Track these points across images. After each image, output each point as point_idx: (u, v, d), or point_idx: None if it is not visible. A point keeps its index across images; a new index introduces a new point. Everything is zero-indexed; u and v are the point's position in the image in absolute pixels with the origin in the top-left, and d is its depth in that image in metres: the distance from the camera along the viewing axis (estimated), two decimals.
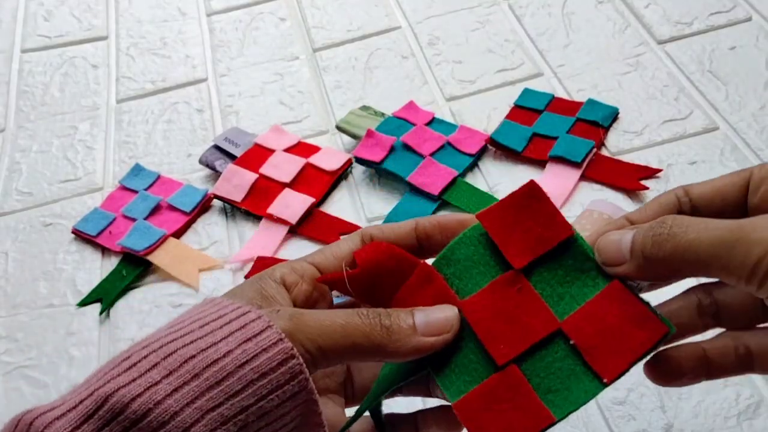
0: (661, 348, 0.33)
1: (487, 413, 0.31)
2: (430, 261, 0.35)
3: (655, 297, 0.34)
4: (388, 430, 0.37)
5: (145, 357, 0.29)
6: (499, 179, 0.69)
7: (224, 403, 0.28)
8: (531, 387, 0.31)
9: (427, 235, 0.36)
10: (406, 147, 0.70)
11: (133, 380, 0.29)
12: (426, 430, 0.38)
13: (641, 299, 0.32)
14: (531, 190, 0.34)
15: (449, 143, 0.71)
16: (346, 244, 0.36)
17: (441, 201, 0.67)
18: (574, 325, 0.32)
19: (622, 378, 0.53)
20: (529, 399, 0.31)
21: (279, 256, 0.66)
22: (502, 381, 0.32)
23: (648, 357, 0.32)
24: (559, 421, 0.31)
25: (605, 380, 0.31)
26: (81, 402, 0.28)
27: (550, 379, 0.32)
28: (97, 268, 0.68)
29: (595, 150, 0.68)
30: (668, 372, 0.34)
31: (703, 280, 0.32)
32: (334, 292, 0.36)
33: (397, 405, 0.41)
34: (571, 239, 0.33)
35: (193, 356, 0.29)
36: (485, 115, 0.75)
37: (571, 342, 0.32)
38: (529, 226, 0.34)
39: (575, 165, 0.67)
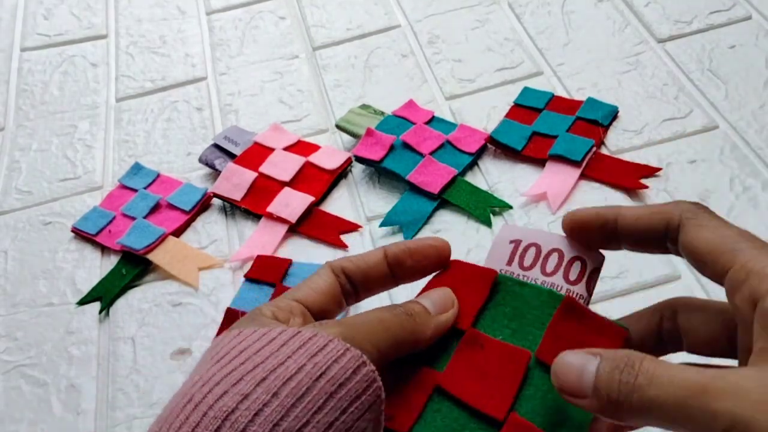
0: None
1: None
2: None
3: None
4: None
5: (209, 392, 0.27)
6: (499, 178, 0.69)
7: (310, 422, 0.27)
8: (423, 406, 0.32)
9: (398, 262, 0.35)
10: (406, 146, 0.70)
11: (204, 415, 0.26)
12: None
13: (592, 311, 0.33)
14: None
15: (449, 142, 0.71)
16: (321, 278, 0.35)
17: (440, 200, 0.67)
18: (546, 350, 0.32)
19: None
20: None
21: (279, 254, 0.66)
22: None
23: None
24: None
25: None
26: None
27: (550, 413, 0.32)
28: (96, 267, 0.68)
29: (594, 149, 0.68)
30: None
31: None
32: None
33: None
34: (496, 279, 0.35)
35: (265, 378, 0.27)
36: (485, 113, 0.75)
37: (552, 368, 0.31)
38: (458, 290, 0.35)
39: (575, 164, 0.67)
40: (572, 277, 0.35)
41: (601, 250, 0.35)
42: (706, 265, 0.29)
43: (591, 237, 0.33)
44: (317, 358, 0.28)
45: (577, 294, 0.35)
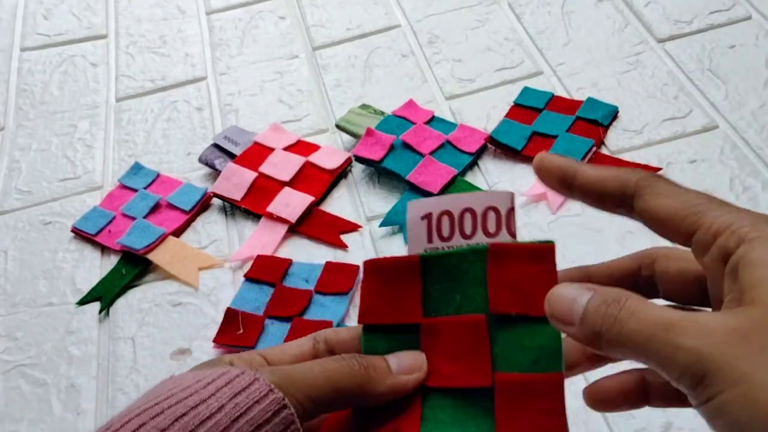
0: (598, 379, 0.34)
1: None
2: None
3: None
4: None
5: (128, 422, 0.28)
6: (499, 178, 0.69)
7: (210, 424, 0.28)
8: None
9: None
10: (406, 146, 0.70)
11: None
12: None
13: (515, 244, 0.34)
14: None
15: (449, 142, 0.71)
16: (297, 345, 0.35)
17: None
18: (497, 302, 0.33)
19: None
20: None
21: (279, 254, 0.66)
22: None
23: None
24: None
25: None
26: None
27: (526, 356, 0.33)
28: (96, 267, 0.68)
29: (594, 149, 0.68)
30: (602, 401, 0.34)
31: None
32: None
33: None
34: (422, 262, 0.35)
35: (184, 414, 0.28)
36: (485, 113, 0.75)
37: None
38: (392, 288, 0.35)
39: None
40: (491, 229, 0.35)
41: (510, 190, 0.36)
42: (669, 229, 0.29)
43: (552, 184, 0.33)
44: (239, 398, 0.28)
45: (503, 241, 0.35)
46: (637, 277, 0.35)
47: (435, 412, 0.33)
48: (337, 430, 0.34)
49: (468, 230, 0.35)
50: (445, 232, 0.35)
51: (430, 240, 0.35)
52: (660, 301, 0.33)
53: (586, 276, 0.34)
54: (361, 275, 0.36)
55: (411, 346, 0.35)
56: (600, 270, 0.35)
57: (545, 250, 0.33)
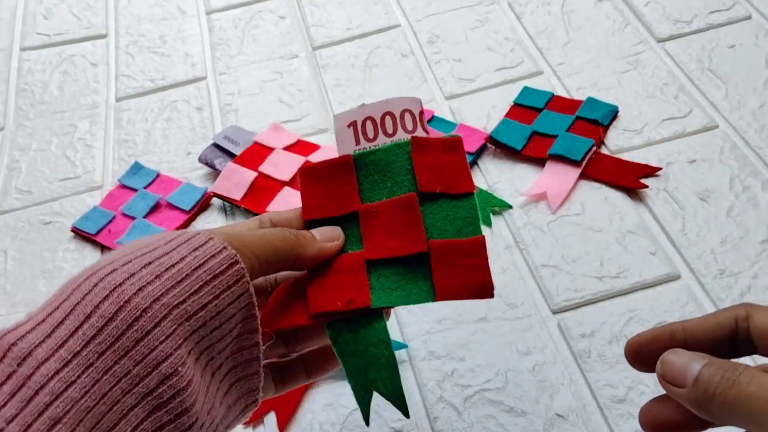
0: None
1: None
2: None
3: None
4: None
5: (101, 268, 0.32)
6: (499, 177, 0.69)
7: (186, 300, 0.32)
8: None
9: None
10: None
11: (95, 285, 0.31)
12: (311, 366, 0.43)
13: (431, 137, 0.42)
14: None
15: None
16: (245, 224, 0.40)
17: None
18: (424, 182, 0.40)
19: (621, 377, 0.53)
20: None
21: None
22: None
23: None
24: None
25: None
26: (51, 315, 0.31)
27: (450, 225, 0.40)
28: None
29: (594, 148, 0.68)
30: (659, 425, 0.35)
31: None
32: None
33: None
34: (354, 160, 0.41)
35: (150, 262, 0.32)
36: (485, 113, 0.75)
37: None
38: (331, 184, 0.41)
39: (575, 163, 0.67)
40: (409, 127, 0.42)
41: None
42: None
43: (653, 357, 0.35)
44: (197, 252, 0.33)
45: (420, 136, 0.42)
46: (734, 336, 0.35)
47: (381, 281, 0.39)
48: (290, 303, 0.39)
49: (390, 130, 0.42)
50: (370, 134, 0.42)
51: (357, 143, 0.42)
52: (760, 359, 0.36)
53: (679, 335, 0.35)
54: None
55: (352, 232, 0.41)
56: (693, 329, 0.35)
57: (455, 142, 0.42)
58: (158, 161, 0.76)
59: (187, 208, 0.70)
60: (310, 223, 0.41)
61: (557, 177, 0.67)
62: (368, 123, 0.42)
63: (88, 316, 0.30)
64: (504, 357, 0.56)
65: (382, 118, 0.42)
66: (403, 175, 0.41)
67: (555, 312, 0.59)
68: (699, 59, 0.76)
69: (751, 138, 0.68)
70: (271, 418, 0.55)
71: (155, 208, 0.71)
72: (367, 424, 0.39)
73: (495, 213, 0.66)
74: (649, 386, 0.53)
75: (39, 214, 0.73)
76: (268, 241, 0.37)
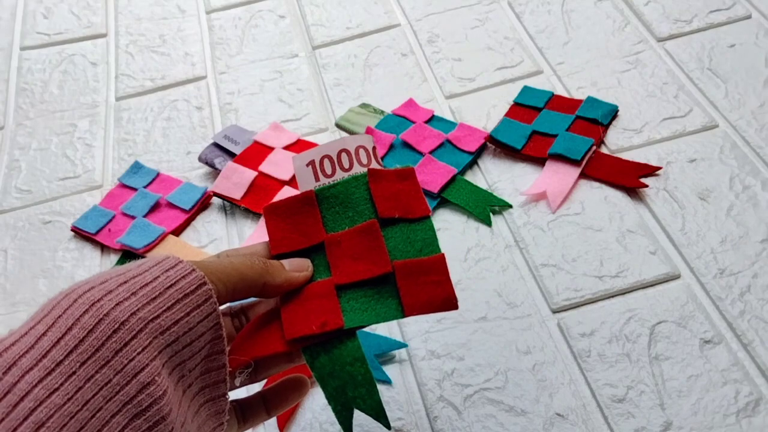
0: None
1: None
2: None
3: None
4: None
5: (78, 287, 0.34)
6: (499, 177, 0.69)
7: (161, 315, 0.34)
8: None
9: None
10: (406, 145, 0.70)
11: (74, 301, 0.32)
12: (271, 402, 0.45)
13: (385, 169, 0.45)
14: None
15: (449, 141, 0.71)
16: (207, 258, 0.42)
17: (440, 199, 0.67)
18: (383, 209, 0.43)
19: (621, 376, 0.53)
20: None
21: None
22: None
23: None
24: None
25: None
26: (33, 328, 0.32)
27: (410, 246, 0.43)
28: (96, 266, 0.68)
29: (594, 148, 0.68)
30: None
31: None
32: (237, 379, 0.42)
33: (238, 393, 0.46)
34: (315, 195, 0.44)
35: (126, 281, 0.34)
36: (485, 112, 0.75)
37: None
38: (296, 220, 0.44)
39: (575, 163, 0.67)
40: (364, 161, 0.45)
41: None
42: None
43: None
44: (169, 273, 0.35)
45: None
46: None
47: (351, 304, 0.42)
48: (265, 331, 0.41)
49: (346, 165, 0.45)
50: (328, 170, 0.45)
51: (317, 179, 0.45)
52: None
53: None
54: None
55: (320, 261, 0.43)
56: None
57: (408, 171, 0.45)
58: (158, 160, 0.76)
59: (187, 207, 0.70)
60: (278, 257, 0.44)
61: (557, 176, 0.67)
62: (325, 160, 0.45)
63: (69, 328, 0.31)
64: (504, 356, 0.56)
65: (338, 155, 0.45)
66: (363, 204, 0.44)
67: (555, 311, 0.59)
68: (699, 58, 0.76)
69: (751, 137, 0.68)
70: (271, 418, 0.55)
71: (155, 207, 0.71)
72: None
73: (495, 212, 0.66)
74: (648, 385, 0.53)
75: (39, 214, 0.73)
76: (234, 268, 0.39)
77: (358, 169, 0.45)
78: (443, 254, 0.42)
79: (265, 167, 0.71)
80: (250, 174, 0.71)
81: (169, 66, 0.87)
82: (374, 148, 0.46)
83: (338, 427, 0.54)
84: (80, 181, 0.76)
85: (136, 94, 0.84)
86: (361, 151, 0.45)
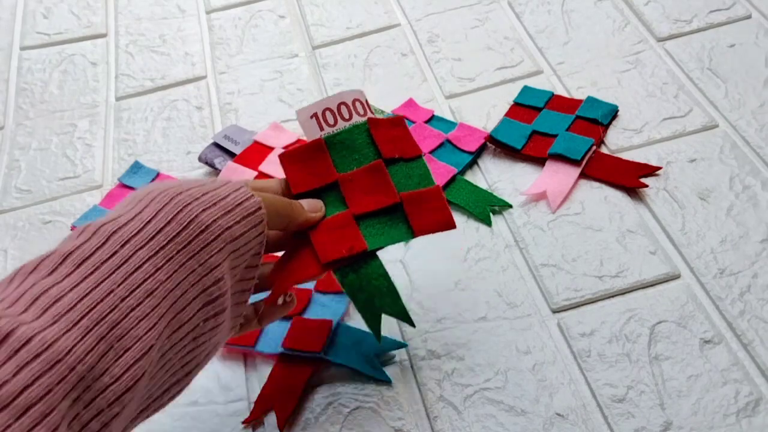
0: None
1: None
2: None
3: None
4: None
5: (168, 188, 0.41)
6: (499, 177, 0.69)
7: (233, 227, 0.41)
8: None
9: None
10: None
11: (170, 200, 0.40)
12: (263, 315, 0.51)
13: (383, 118, 0.53)
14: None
15: (449, 141, 0.71)
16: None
17: None
18: (385, 151, 0.51)
19: (621, 376, 0.53)
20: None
21: (278, 253, 0.66)
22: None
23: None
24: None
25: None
26: (139, 214, 0.39)
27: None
28: None
29: (594, 148, 0.68)
30: None
31: None
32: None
33: None
34: (324, 142, 0.51)
35: (206, 193, 0.41)
36: (485, 112, 0.75)
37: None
38: (309, 165, 0.51)
39: (575, 163, 0.67)
40: (361, 111, 0.52)
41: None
42: None
43: None
44: (237, 193, 0.43)
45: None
46: None
47: (369, 230, 0.49)
48: (297, 260, 0.48)
49: (346, 116, 0.52)
50: (331, 121, 0.52)
51: (321, 129, 0.52)
52: None
53: None
54: None
55: (335, 197, 0.51)
56: None
57: (399, 119, 0.54)
58: (158, 160, 0.76)
59: None
60: (297, 197, 0.50)
61: (557, 176, 0.67)
62: (327, 112, 0.51)
63: (169, 222, 0.39)
64: (504, 356, 0.56)
65: (338, 107, 0.52)
66: (366, 148, 0.52)
67: (555, 311, 0.59)
68: (699, 58, 0.76)
69: (750, 137, 0.68)
70: (271, 418, 0.55)
71: None
72: (379, 341, 0.49)
73: (495, 212, 0.66)
74: (648, 385, 0.53)
75: (39, 214, 0.73)
76: (271, 203, 0.45)
77: (357, 119, 0.52)
78: (438, 185, 0.51)
79: (265, 167, 0.71)
80: (250, 174, 0.71)
81: (169, 66, 0.87)
82: (366, 100, 0.53)
83: (338, 426, 0.54)
84: (80, 181, 0.76)
85: (136, 94, 0.84)
86: (357, 104, 0.52)
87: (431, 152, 0.70)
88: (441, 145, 0.71)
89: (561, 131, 0.70)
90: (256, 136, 0.74)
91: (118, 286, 0.36)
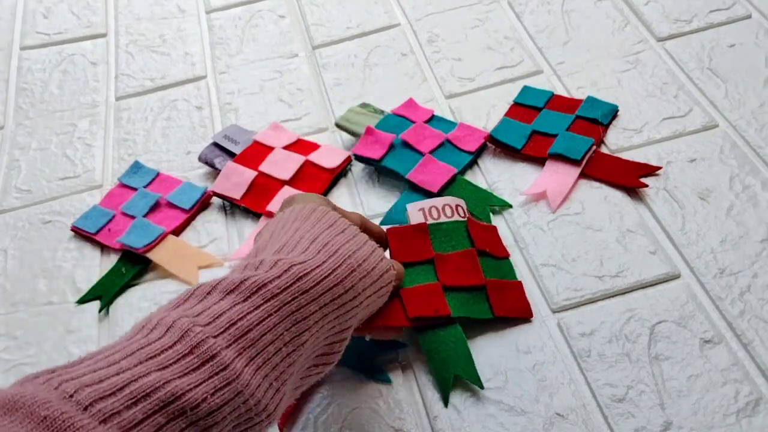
0: None
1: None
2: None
3: None
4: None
5: (298, 241, 0.47)
6: (499, 177, 0.69)
7: (379, 292, 0.49)
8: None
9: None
10: (406, 144, 0.70)
11: (341, 265, 0.46)
12: None
13: (480, 222, 0.64)
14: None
15: (449, 141, 0.71)
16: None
17: None
18: (479, 244, 0.60)
19: (621, 376, 0.53)
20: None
21: None
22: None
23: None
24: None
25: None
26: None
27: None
28: (96, 266, 0.68)
29: (594, 147, 0.68)
30: None
31: None
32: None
33: None
34: (427, 227, 0.60)
35: (353, 252, 0.47)
36: (484, 112, 0.75)
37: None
38: (411, 243, 0.59)
39: (575, 162, 0.67)
40: (462, 214, 0.61)
41: None
42: None
43: None
44: (381, 264, 0.50)
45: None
46: None
47: (454, 302, 0.56)
48: (388, 309, 0.53)
49: (449, 214, 0.61)
50: (434, 215, 0.60)
51: (426, 219, 0.60)
52: None
53: None
54: None
55: (428, 270, 0.58)
56: None
57: (492, 227, 0.64)
58: (158, 160, 0.76)
59: (186, 207, 0.70)
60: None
61: (557, 176, 0.67)
62: (433, 209, 0.60)
63: (340, 282, 0.45)
64: (504, 356, 0.56)
65: (443, 207, 0.61)
66: (462, 238, 0.60)
67: (555, 311, 0.59)
68: (699, 58, 0.76)
69: (750, 137, 0.68)
70: None
71: (155, 207, 0.71)
72: (446, 405, 0.54)
73: (495, 212, 0.66)
74: (648, 385, 0.53)
75: (39, 213, 0.73)
76: (399, 271, 0.53)
77: (457, 218, 0.60)
78: (521, 282, 0.60)
79: (265, 167, 0.71)
80: (250, 174, 0.71)
81: (169, 66, 0.87)
82: (467, 207, 0.62)
83: (338, 426, 0.54)
84: (80, 181, 0.76)
85: (136, 93, 0.84)
86: (459, 208, 0.61)
87: (431, 152, 0.70)
88: (441, 144, 0.71)
89: (561, 131, 0.70)
90: (256, 136, 0.74)
91: (287, 330, 0.41)
